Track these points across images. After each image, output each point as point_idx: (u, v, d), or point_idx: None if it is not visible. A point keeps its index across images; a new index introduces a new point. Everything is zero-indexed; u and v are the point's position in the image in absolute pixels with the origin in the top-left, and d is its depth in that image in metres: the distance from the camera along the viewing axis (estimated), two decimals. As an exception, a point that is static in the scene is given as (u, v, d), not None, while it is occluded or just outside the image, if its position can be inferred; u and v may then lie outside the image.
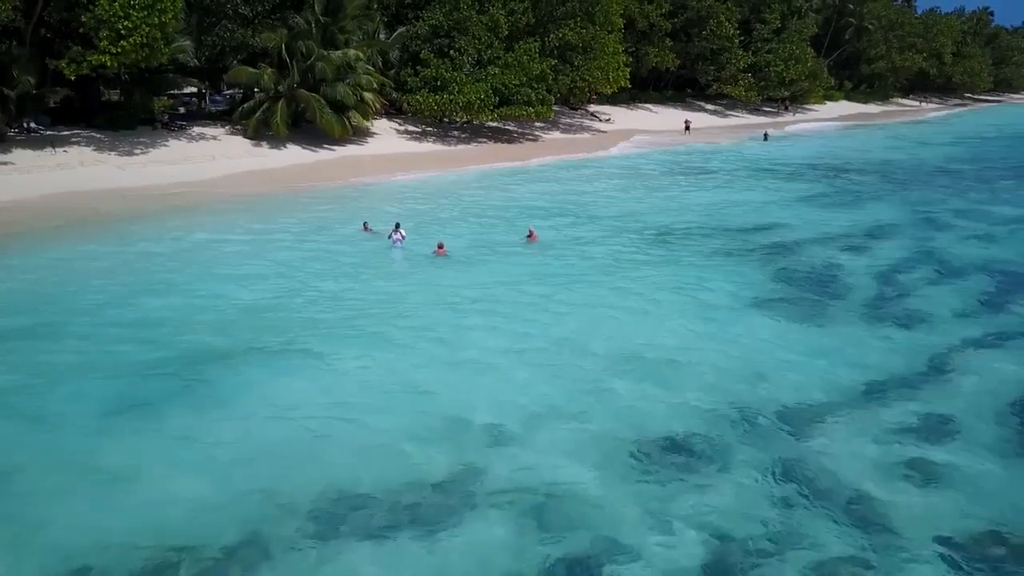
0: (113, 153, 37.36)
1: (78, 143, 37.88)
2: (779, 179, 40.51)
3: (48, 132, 38.81)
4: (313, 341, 15.56)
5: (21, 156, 34.56)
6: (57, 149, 36.42)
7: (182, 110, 48.88)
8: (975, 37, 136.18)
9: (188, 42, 41.85)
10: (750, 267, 21.97)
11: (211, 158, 39.10)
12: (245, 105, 44.37)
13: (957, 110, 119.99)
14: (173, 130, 42.92)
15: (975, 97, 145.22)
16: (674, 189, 37.33)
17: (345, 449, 11.70)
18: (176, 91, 49.66)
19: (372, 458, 11.41)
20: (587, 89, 59.39)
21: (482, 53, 51.29)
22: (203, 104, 51.35)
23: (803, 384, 13.99)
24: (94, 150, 37.33)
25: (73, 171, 34.15)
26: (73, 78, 36.71)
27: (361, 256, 22.73)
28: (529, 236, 25.31)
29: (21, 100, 36.02)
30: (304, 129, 45.08)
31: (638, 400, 13.36)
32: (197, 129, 43.86)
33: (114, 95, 44.54)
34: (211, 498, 10.42)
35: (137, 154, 37.85)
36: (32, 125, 38.97)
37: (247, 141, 42.86)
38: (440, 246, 23.15)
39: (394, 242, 23.49)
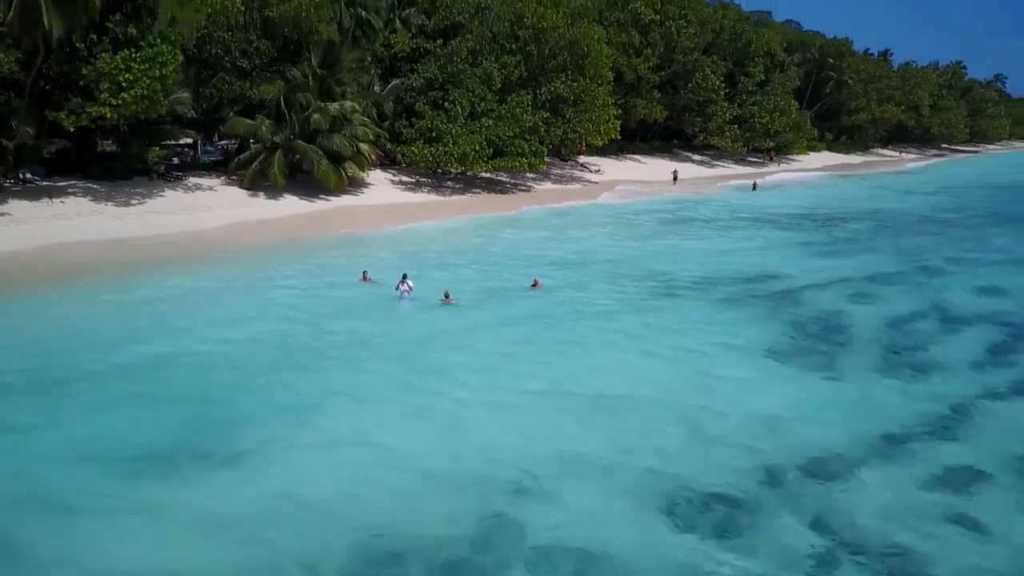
0: (110, 203, 37.28)
1: (74, 193, 37.78)
2: (773, 228, 41.01)
3: (44, 183, 38.69)
4: (330, 393, 15.42)
5: (18, 207, 34.39)
6: (54, 200, 36.30)
7: (175, 160, 49.02)
8: (950, 90, 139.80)
9: (186, 94, 42.18)
10: (758, 315, 22.10)
11: (208, 208, 39.11)
12: (241, 156, 44.55)
13: (935, 160, 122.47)
14: (169, 180, 42.94)
15: (952, 147, 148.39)
16: (671, 237, 37.69)
17: (371, 503, 11.49)
18: (172, 142, 49.98)
19: (400, 513, 11.22)
20: (578, 141, 60.23)
21: (476, 105, 52.02)
22: (197, 155, 51.51)
23: (826, 434, 13.98)
24: (91, 200, 37.24)
25: (70, 221, 34.01)
26: (72, 129, 36.84)
27: (367, 306, 22.68)
28: (533, 285, 25.39)
29: (19, 151, 36.02)
30: (300, 179, 45.24)
31: (664, 452, 13.28)
32: (193, 179, 43.92)
33: (107, 145, 44.63)
34: (236, 558, 10.15)
35: (134, 204, 37.79)
36: (28, 176, 38.88)
37: (243, 191, 42.93)
38: (447, 295, 23.18)
39: (402, 293, 23.46)
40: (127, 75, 34.65)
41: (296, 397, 15.28)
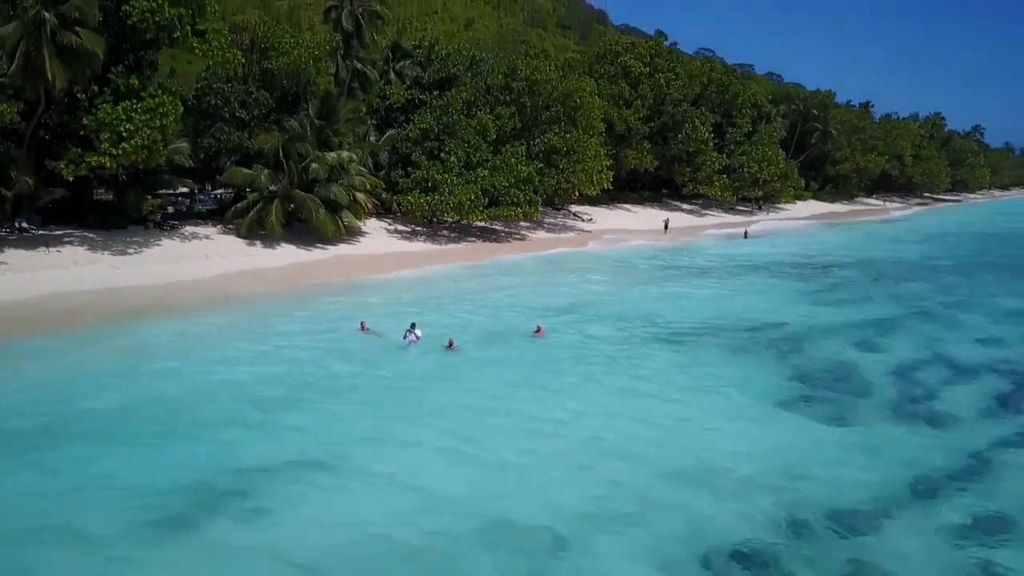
0: (107, 252, 37.11)
1: (71, 242, 37.61)
2: (769, 275, 41.31)
3: (40, 231, 38.52)
4: (344, 446, 15.20)
5: (14, 256, 34.16)
6: (51, 248, 36.10)
7: (170, 209, 49.05)
8: (931, 140, 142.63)
9: (184, 143, 42.42)
10: (764, 363, 22.11)
11: (205, 257, 39.02)
12: (238, 204, 44.60)
13: (919, 209, 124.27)
14: (165, 229, 42.86)
15: (934, 197, 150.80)
16: (669, 284, 37.90)
17: (394, 562, 11.25)
18: (166, 191, 50.14)
19: (427, 572, 10.98)
20: (571, 190, 60.80)
21: (471, 155, 52.55)
22: (192, 204, 51.59)
23: (848, 484, 13.87)
24: (87, 249, 37.06)
25: (68, 271, 33.79)
26: (71, 179, 36.88)
27: (372, 355, 22.51)
28: (536, 331, 25.36)
29: (17, 200, 35.98)
30: (296, 228, 45.28)
31: (685, 504, 13.14)
32: (189, 228, 43.86)
33: (100, 193, 44.63)
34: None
35: (131, 253, 37.63)
36: (23, 224, 38.73)
37: (240, 240, 42.89)
38: (451, 342, 23.14)
39: (409, 342, 23.38)
40: (128, 125, 34.87)
41: (311, 441, 15.06)
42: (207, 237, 42.88)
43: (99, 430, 15.72)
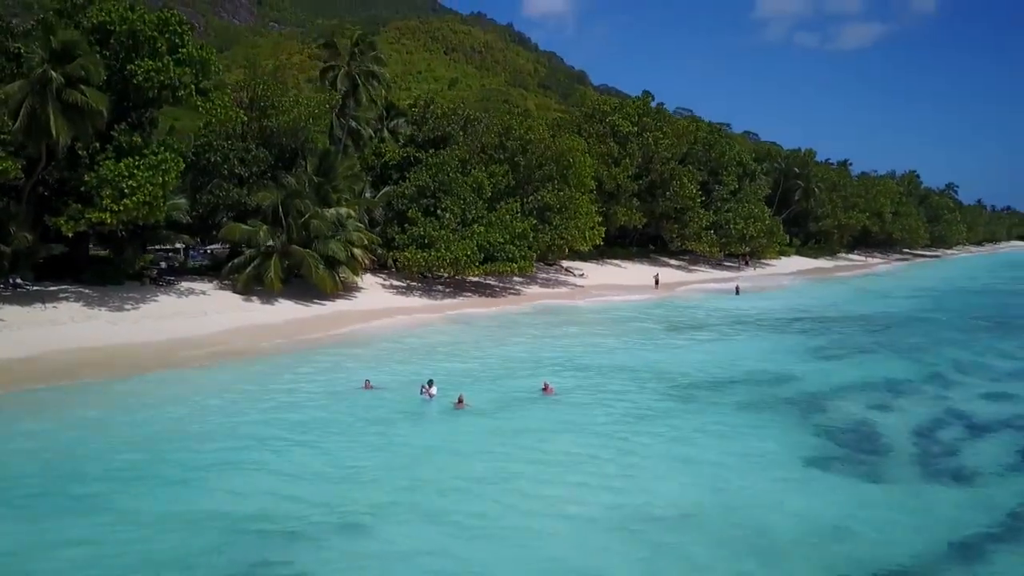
0: (103, 308, 36.66)
1: (67, 298, 37.16)
2: (770, 331, 41.48)
3: (34, 287, 38.08)
4: (365, 513, 14.84)
5: (10, 312, 33.66)
6: (47, 305, 35.64)
7: (163, 264, 48.80)
8: (909, 197, 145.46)
9: (183, 200, 42.37)
10: (784, 422, 21.98)
11: (204, 313, 38.64)
12: (235, 260, 44.42)
13: (900, 264, 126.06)
14: (161, 285, 42.57)
15: (913, 252, 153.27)
16: (671, 339, 37.97)
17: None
18: (160, 247, 49.96)
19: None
20: (565, 246, 61.23)
21: (466, 212, 52.88)
22: (186, 260, 51.35)
23: (894, 545, 13.70)
24: (84, 305, 36.60)
25: (65, 327, 33.28)
26: (70, 235, 36.65)
27: (383, 414, 22.14)
28: (544, 389, 25.16)
29: (15, 256, 35.62)
30: (293, 284, 45.07)
31: (740, 570, 12.87)
32: (185, 284, 43.57)
33: (94, 249, 44.30)
34: None
35: (128, 309, 37.20)
36: (17, 280, 38.27)
37: (237, 296, 42.60)
38: (460, 399, 22.94)
39: (427, 398, 23.15)
40: (130, 182, 34.86)
41: (332, 506, 14.70)
42: (204, 293, 42.57)
43: (116, 497, 15.26)
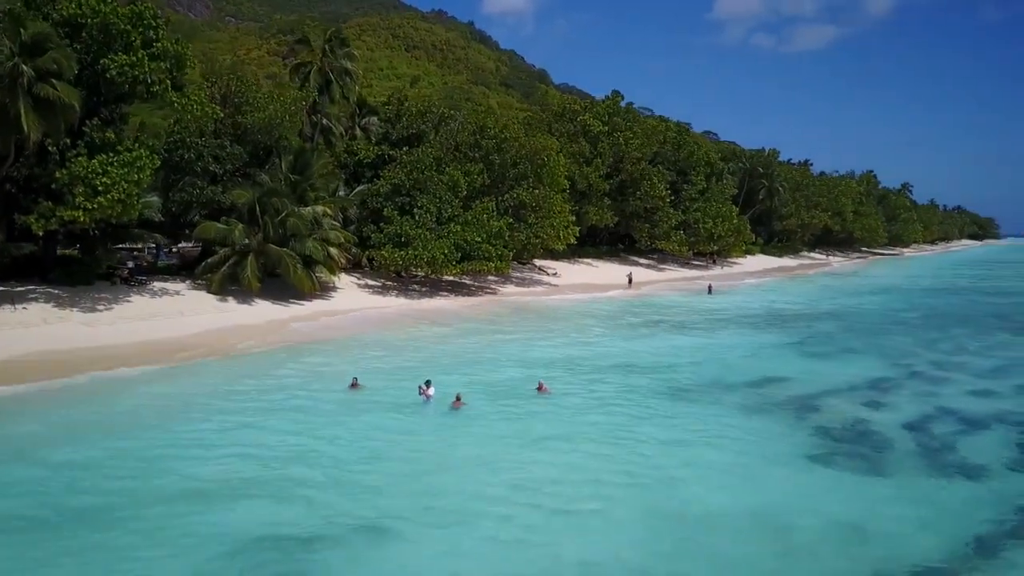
0: (75, 310, 35.59)
1: (36, 299, 36.01)
2: (750, 328, 41.86)
3: (0, 288, 36.85)
4: (379, 517, 14.55)
5: (-22, 314, 32.52)
6: (16, 306, 34.51)
7: (130, 264, 47.62)
8: (867, 197, 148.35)
9: (155, 198, 41.36)
10: (785, 421, 22.07)
11: (180, 314, 37.74)
12: (209, 260, 43.49)
13: (860, 263, 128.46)
14: (132, 285, 41.49)
15: (872, 251, 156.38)
16: (655, 337, 38.14)
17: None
18: (129, 246, 48.75)
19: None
20: (540, 246, 61.19)
21: (442, 211, 52.50)
22: (155, 260, 50.22)
23: (917, 541, 13.78)
24: (55, 307, 35.49)
25: (38, 329, 32.22)
26: (41, 233, 35.55)
27: (380, 417, 21.77)
28: (539, 388, 25.03)
29: (-17, 256, 34.45)
30: (268, 283, 44.23)
31: (763, 565, 12.86)
32: (158, 284, 42.56)
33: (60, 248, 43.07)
34: None
35: (101, 310, 36.18)
36: (-19, 281, 37.01)
37: (211, 296, 41.70)
38: (458, 398, 22.72)
39: (425, 398, 22.84)
40: (104, 179, 33.92)
41: (347, 509, 14.37)
42: (177, 293, 41.62)
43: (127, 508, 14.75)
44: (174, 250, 54.00)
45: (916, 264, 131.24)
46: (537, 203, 59.71)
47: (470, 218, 53.39)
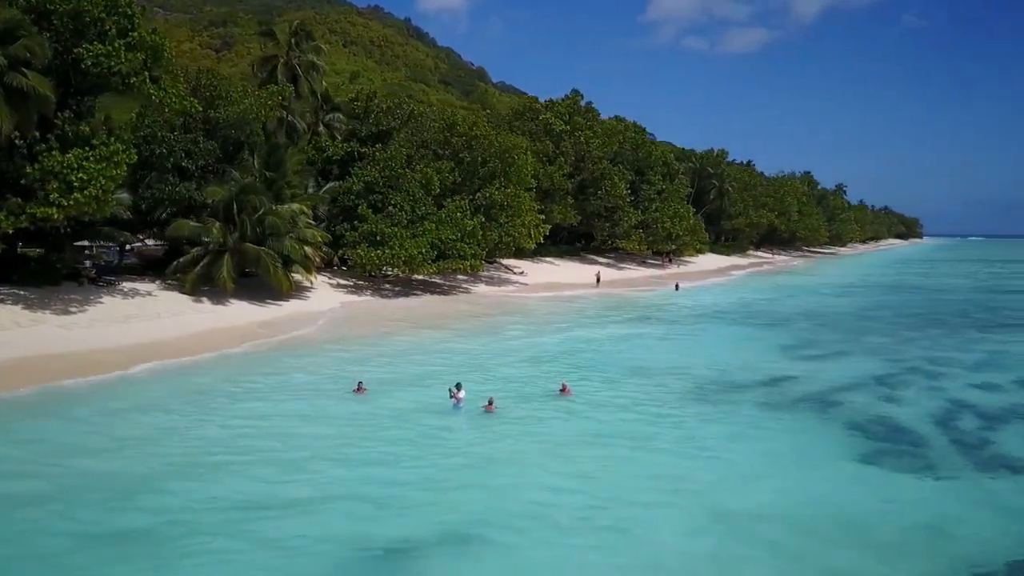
0: (47, 312, 33.77)
1: (3, 301, 34.04)
2: (736, 326, 42.30)
3: (-39, 289, 34.76)
4: (462, 529, 14.05)
5: (-55, 318, 30.57)
6: (-18, 309, 32.57)
7: (87, 263, 45.56)
8: (809, 197, 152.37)
9: (126, 194, 39.64)
10: (811, 420, 22.15)
11: (157, 316, 36.18)
12: (181, 259, 41.86)
13: (805, 261, 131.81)
14: (101, 285, 39.64)
15: (812, 250, 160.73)
16: (648, 336, 38.34)
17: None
18: (87, 244, 46.60)
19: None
20: (512, 244, 60.90)
21: (415, 209, 51.70)
22: (122, 258, 48.16)
23: (984, 540, 13.89)
24: (24, 308, 33.60)
25: (11, 332, 30.39)
26: (11, 231, 33.59)
27: (413, 422, 21.10)
28: (562, 390, 24.70)
29: (-52, 256, 32.40)
30: (242, 284, 42.86)
31: (849, 569, 12.81)
32: (127, 284, 40.74)
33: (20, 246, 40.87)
34: None
35: (74, 312, 34.41)
36: (-59, 283, 34.85)
37: (186, 297, 40.11)
38: (490, 402, 22.22)
39: (456, 402, 22.24)
40: (80, 174, 32.22)
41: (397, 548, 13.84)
42: (149, 294, 39.90)
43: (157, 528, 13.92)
44: (128, 248, 51.85)
45: (859, 262, 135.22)
46: (509, 202, 59.37)
47: (444, 216, 52.74)
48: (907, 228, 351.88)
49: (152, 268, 45.15)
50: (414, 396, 23.83)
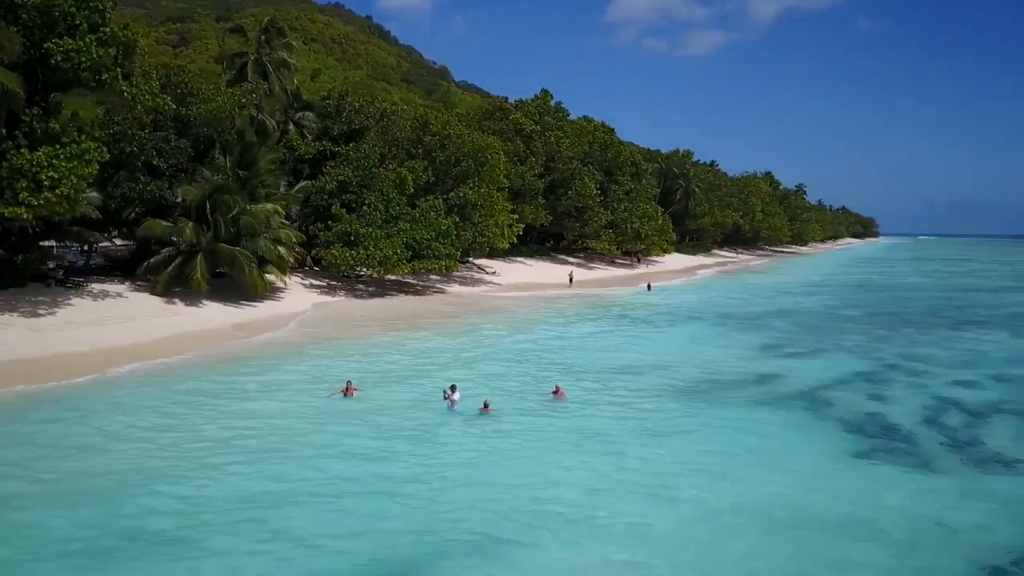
0: (15, 315, 32.74)
1: (-34, 303, 32.98)
2: (713, 325, 42.42)
3: (-78, 292, 33.58)
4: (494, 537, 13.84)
5: (-91, 322, 29.46)
6: (-52, 312, 31.48)
7: (51, 264, 44.30)
8: (771, 197, 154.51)
9: (95, 194, 38.60)
10: (804, 418, 22.27)
11: (131, 318, 35.28)
12: (151, 260, 40.93)
13: (769, 261, 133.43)
14: (69, 287, 38.59)
15: (774, 249, 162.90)
16: (628, 335, 38.38)
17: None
18: (50, 244, 45.32)
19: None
20: (486, 244, 60.68)
21: (389, 208, 51.21)
22: (87, 259, 46.88)
23: (997, 534, 14.10)
24: (-9, 311, 32.59)
25: (-20, 336, 29.45)
26: (-23, 231, 32.56)
27: (414, 428, 20.79)
28: (555, 392, 24.53)
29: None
30: (214, 285, 41.99)
31: (863, 562, 12.89)
32: (96, 286, 39.72)
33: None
34: None
35: (43, 315, 33.42)
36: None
37: (158, 299, 39.20)
38: (485, 404, 22.01)
39: (450, 404, 21.97)
40: (50, 173, 31.30)
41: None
42: (120, 296, 38.93)
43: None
44: (86, 248, 50.49)
45: (821, 261, 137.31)
46: (482, 201, 59.13)
47: (418, 216, 52.31)
48: (863, 228, 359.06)
49: (119, 269, 44.08)
50: (406, 398, 23.56)
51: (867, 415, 22.64)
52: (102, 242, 46.51)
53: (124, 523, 13.74)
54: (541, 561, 12.80)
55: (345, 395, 23.56)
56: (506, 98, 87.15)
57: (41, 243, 42.97)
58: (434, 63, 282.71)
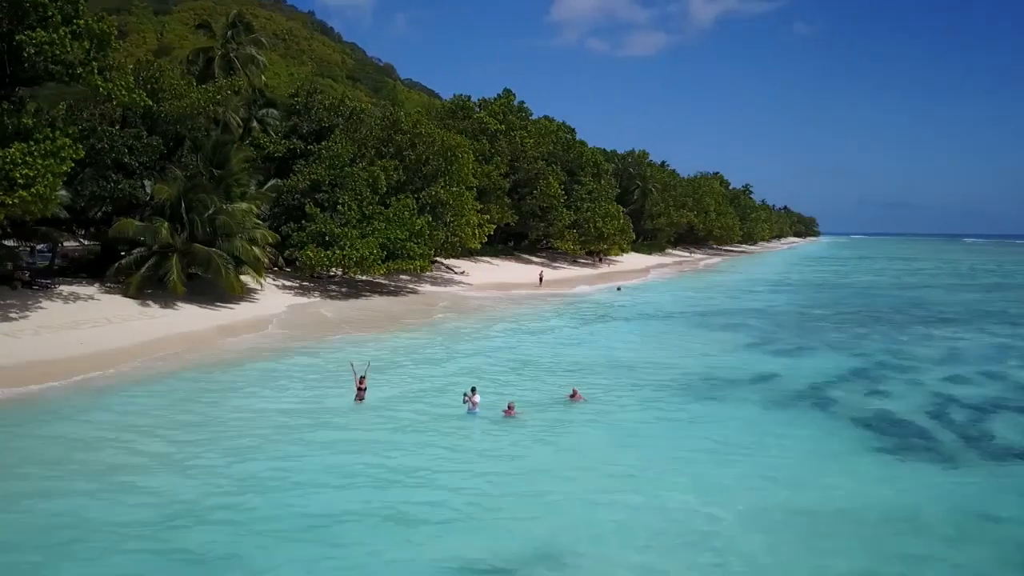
0: (-15, 319, 31.33)
1: (-67, 307, 31.42)
2: (695, 327, 42.79)
3: None
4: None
5: None
6: (-85, 316, 29.91)
7: (8, 265, 42.49)
8: (724, 197, 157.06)
9: (64, 192, 37.11)
10: (816, 416, 22.53)
11: (107, 321, 34.02)
12: (123, 261, 39.56)
13: (723, 259, 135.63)
14: (37, 289, 37.02)
15: (726, 248, 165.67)
16: (618, 334, 38.73)
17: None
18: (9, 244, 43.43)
19: None
20: (459, 244, 60.25)
21: (363, 208, 50.45)
22: (53, 259, 45.11)
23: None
24: (-42, 315, 31.10)
25: (-50, 341, 28.07)
26: (-55, 232, 30.99)
27: (437, 434, 20.36)
28: (572, 395, 24.35)
29: None
30: (188, 286, 40.71)
31: (920, 557, 13.06)
32: (66, 288, 38.18)
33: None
34: None
35: (15, 319, 31.99)
36: None
37: (131, 301, 37.85)
38: (510, 407, 21.74)
39: (470, 407, 21.58)
40: (24, 170, 29.96)
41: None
42: (91, 298, 37.47)
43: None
44: (51, 249, 48.62)
45: (772, 260, 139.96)
46: (454, 201, 58.68)
47: (392, 215, 51.61)
48: (805, 227, 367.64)
49: (84, 270, 42.47)
50: (422, 401, 23.11)
51: (875, 412, 23.09)
52: (68, 241, 44.74)
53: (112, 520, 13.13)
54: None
55: (357, 399, 22.93)
56: (469, 96, 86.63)
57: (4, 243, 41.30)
58: (379, 60, 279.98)
